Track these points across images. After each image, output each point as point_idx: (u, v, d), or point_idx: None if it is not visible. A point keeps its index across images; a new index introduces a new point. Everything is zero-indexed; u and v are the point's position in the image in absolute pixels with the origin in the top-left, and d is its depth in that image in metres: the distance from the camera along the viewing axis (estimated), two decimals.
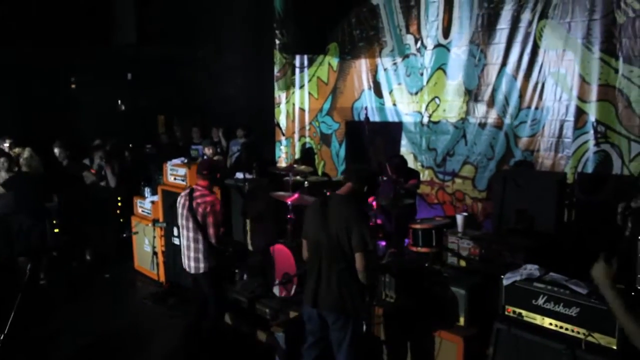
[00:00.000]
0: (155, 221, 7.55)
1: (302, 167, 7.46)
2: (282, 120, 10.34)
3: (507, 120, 7.27)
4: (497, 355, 4.19)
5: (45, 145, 8.68)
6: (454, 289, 4.59)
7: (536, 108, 6.98)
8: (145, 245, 8.02)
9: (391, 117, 8.57)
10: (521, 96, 7.10)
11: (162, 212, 7.57)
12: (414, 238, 5.95)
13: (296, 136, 10.24)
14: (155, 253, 7.63)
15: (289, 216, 6.64)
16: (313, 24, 9.32)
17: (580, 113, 6.56)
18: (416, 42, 8.21)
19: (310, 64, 9.86)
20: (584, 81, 6.48)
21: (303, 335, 4.73)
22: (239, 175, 7.73)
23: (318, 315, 4.27)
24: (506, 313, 4.21)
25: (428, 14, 8.00)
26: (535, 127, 7.01)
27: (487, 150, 7.50)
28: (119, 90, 12.15)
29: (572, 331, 3.80)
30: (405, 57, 8.35)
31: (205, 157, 8.97)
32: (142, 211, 8.15)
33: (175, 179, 7.38)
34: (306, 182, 7.06)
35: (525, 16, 6.95)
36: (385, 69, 8.63)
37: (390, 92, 8.59)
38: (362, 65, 8.97)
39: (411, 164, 7.93)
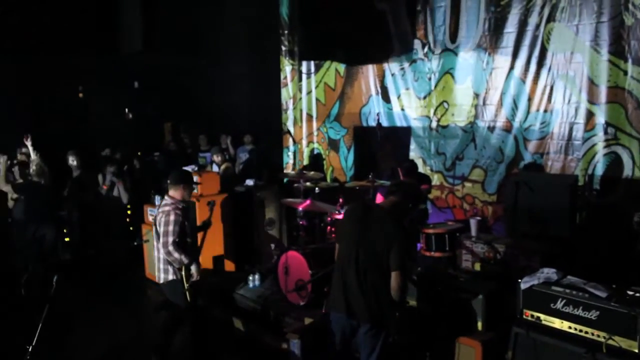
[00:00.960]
0: None
1: (312, 173, 7.50)
2: (289, 126, 10.35)
3: (516, 123, 7.28)
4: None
5: (55, 153, 8.72)
6: (471, 294, 4.60)
7: (545, 111, 7.00)
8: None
9: (399, 122, 8.59)
10: (530, 99, 7.12)
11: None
12: (427, 243, 6.00)
13: (304, 142, 10.26)
14: None
15: (300, 222, 6.66)
16: (319, 30, 9.35)
17: (589, 115, 6.57)
18: (423, 47, 8.23)
19: (317, 69, 9.89)
20: (592, 83, 6.50)
21: (320, 343, 4.74)
22: (249, 181, 7.78)
23: (349, 324, 4.22)
24: (524, 317, 4.21)
25: (435, 18, 8.02)
26: (545, 130, 7.02)
27: (497, 154, 7.51)
28: (126, 98, 12.19)
29: (592, 334, 3.80)
30: (413, 62, 8.37)
31: (213, 164, 9.01)
32: (153, 219, 8.15)
33: None
34: (317, 189, 7.08)
35: (533, 19, 6.97)
36: (392, 74, 8.65)
37: (398, 97, 8.61)
38: (369, 70, 9.00)
39: (420, 168, 7.95)
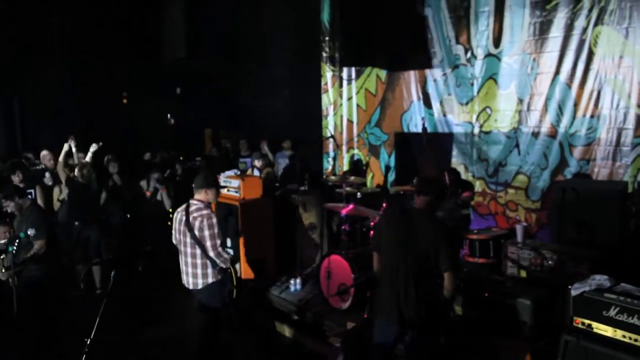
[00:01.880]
0: None
1: (354, 178, 7.51)
2: (329, 133, 10.38)
3: (561, 129, 7.16)
4: None
5: (100, 157, 8.94)
6: (519, 299, 4.53)
7: (592, 116, 6.88)
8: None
9: (441, 128, 8.53)
10: (576, 104, 7.01)
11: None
12: (470, 248, 5.94)
13: (344, 148, 10.27)
14: None
15: (343, 227, 6.66)
16: (360, 36, 9.37)
17: (639, 120, 6.42)
18: (466, 53, 8.17)
19: (358, 75, 9.90)
20: None
21: (362, 347, 4.73)
22: (291, 186, 7.83)
23: (399, 330, 4.19)
24: (574, 324, 4.12)
25: (478, 24, 7.96)
26: (591, 136, 6.89)
27: (541, 160, 7.40)
28: (168, 104, 12.43)
29: None
30: (455, 67, 8.32)
31: (254, 169, 9.09)
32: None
33: (228, 190, 7.46)
34: (359, 194, 7.09)
35: (580, 23, 6.86)
36: (434, 80, 8.61)
37: (440, 102, 8.55)
38: (411, 76, 8.97)
39: (462, 174, 7.86)
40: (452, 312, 4.74)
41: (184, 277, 5.28)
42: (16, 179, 7.50)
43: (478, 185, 8.05)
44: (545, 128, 7.33)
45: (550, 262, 5.13)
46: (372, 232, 6.66)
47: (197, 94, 12.23)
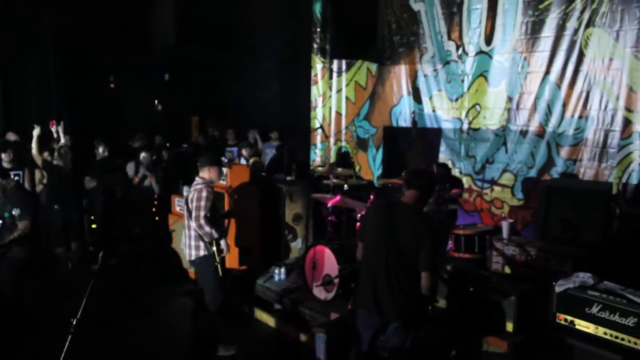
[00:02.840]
0: None
1: (341, 170, 7.51)
2: (317, 124, 10.36)
3: (549, 128, 7.21)
4: None
5: (86, 142, 8.86)
6: (503, 294, 4.57)
7: (580, 117, 6.92)
8: (182, 243, 8.06)
9: (430, 123, 8.54)
10: (564, 105, 7.04)
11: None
12: (456, 243, 5.98)
13: (332, 140, 10.26)
14: None
15: (329, 218, 6.66)
16: (352, 29, 9.34)
17: (626, 123, 6.48)
18: (457, 49, 8.18)
19: (348, 68, 9.87)
20: (631, 90, 6.40)
21: (345, 338, 4.75)
22: (278, 176, 7.81)
23: (379, 322, 4.22)
24: (557, 321, 4.18)
25: (470, 20, 7.97)
26: (579, 136, 6.94)
27: (528, 159, 7.44)
28: (156, 90, 12.32)
29: (629, 342, 3.76)
30: (446, 63, 8.32)
31: (242, 158, 9.06)
32: (180, 209, 8.21)
33: None
34: (346, 186, 7.10)
35: (571, 24, 6.89)
36: (425, 75, 8.61)
37: (430, 98, 8.56)
38: (401, 70, 8.96)
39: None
40: (432, 306, 4.76)
41: (184, 249, 5.61)
42: (6, 158, 7.38)
43: (465, 182, 8.08)
44: (533, 127, 7.37)
45: (534, 259, 5.17)
46: (358, 223, 6.67)
47: (185, 81, 12.15)
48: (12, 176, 6.42)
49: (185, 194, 5.67)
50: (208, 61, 11.66)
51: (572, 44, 6.90)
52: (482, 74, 7.89)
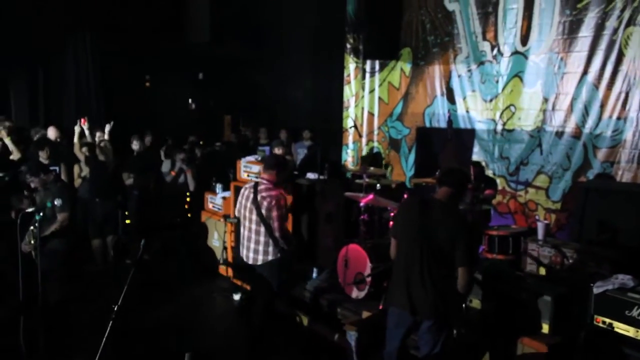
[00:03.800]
0: (226, 217, 7.69)
1: (373, 169, 7.51)
2: (350, 123, 10.37)
3: (586, 130, 7.09)
4: None
5: (121, 137, 9.04)
6: (539, 295, 4.51)
7: (618, 118, 6.79)
8: (215, 240, 8.17)
9: (464, 124, 8.48)
10: (602, 106, 6.92)
11: (233, 207, 7.70)
12: (489, 244, 5.92)
13: (364, 140, 10.26)
14: (225, 248, 7.77)
15: (362, 217, 6.67)
16: (386, 29, 9.34)
17: None
18: (492, 49, 8.12)
19: (382, 68, 9.86)
20: None
21: (377, 336, 4.74)
22: (311, 175, 7.84)
23: (412, 320, 4.18)
24: (595, 323, 4.12)
25: (506, 20, 7.90)
26: (617, 138, 6.81)
27: (564, 161, 7.34)
28: (190, 88, 12.49)
29: None
30: (481, 63, 8.26)
31: None
32: (213, 206, 8.32)
33: (248, 175, 7.50)
34: (378, 185, 7.09)
35: (611, 23, 6.77)
36: (459, 76, 8.56)
37: (464, 98, 8.50)
38: (435, 71, 8.92)
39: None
40: (466, 307, 4.73)
41: (243, 250, 5.60)
42: (43, 155, 7.59)
43: (498, 183, 8.00)
44: (569, 128, 7.26)
45: (571, 261, 5.09)
46: (391, 222, 6.66)
47: (218, 80, 12.27)
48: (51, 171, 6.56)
49: (246, 193, 5.54)
50: (241, 60, 11.78)
51: (611, 43, 6.78)
52: (517, 75, 7.81)
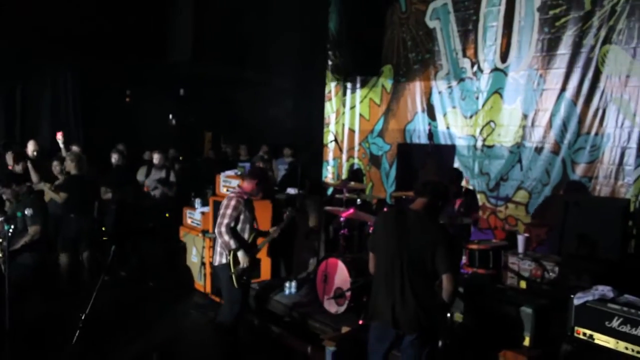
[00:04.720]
0: (204, 232, 7.59)
1: (354, 183, 7.47)
2: (330, 137, 10.33)
3: (565, 145, 7.15)
4: None
5: (99, 152, 8.92)
6: (520, 308, 4.47)
7: (596, 134, 6.87)
8: (193, 256, 8.04)
9: (444, 140, 8.50)
10: (580, 122, 7.00)
11: (213, 223, 7.59)
12: (470, 258, 5.87)
13: (344, 157, 10.23)
14: (203, 264, 7.64)
15: (342, 232, 6.61)
16: (367, 46, 9.38)
17: None
18: (472, 66, 8.18)
19: (363, 85, 9.89)
20: None
21: (356, 352, 4.65)
22: (290, 190, 7.78)
23: (394, 334, 4.08)
24: (575, 335, 4.08)
25: (486, 38, 7.98)
26: (595, 154, 6.87)
27: (543, 176, 7.37)
28: (170, 104, 12.41)
29: None
30: (461, 80, 8.32)
31: None
32: (192, 222, 8.20)
33: (227, 190, 7.41)
34: (359, 200, 7.05)
35: (588, 41, 6.88)
36: (439, 92, 8.61)
37: (444, 115, 8.54)
38: (416, 87, 8.96)
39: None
40: (450, 317, 4.66)
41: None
42: (18, 169, 7.43)
43: (479, 199, 8.00)
44: (548, 144, 7.31)
45: (551, 274, 5.07)
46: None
47: (199, 97, 12.22)
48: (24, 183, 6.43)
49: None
50: (223, 77, 11.73)
51: (588, 60, 6.89)
52: (497, 91, 7.88)
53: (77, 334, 3.07)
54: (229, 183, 7.48)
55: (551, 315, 4.44)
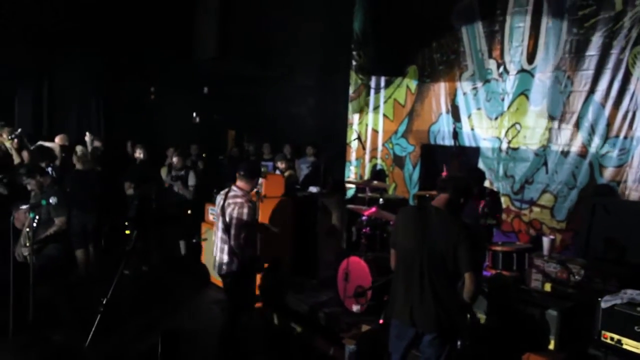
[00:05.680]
0: None
1: (377, 182, 7.43)
2: (354, 136, 10.31)
3: (592, 149, 7.02)
4: None
5: (123, 147, 8.99)
6: (544, 310, 4.39)
7: (625, 137, 6.73)
8: (215, 252, 8.03)
9: (468, 142, 8.42)
10: (609, 124, 6.86)
11: None
12: (493, 260, 5.81)
13: (367, 157, 10.19)
14: None
15: (364, 230, 6.57)
16: (392, 46, 9.34)
17: None
18: (498, 67, 8.09)
19: (387, 85, 9.85)
20: None
21: (376, 351, 4.61)
22: (313, 188, 7.77)
23: (413, 333, 4.02)
24: (602, 339, 3.99)
25: (512, 39, 7.88)
26: (624, 157, 6.74)
27: (569, 179, 7.25)
28: (195, 102, 12.50)
29: None
30: (486, 81, 8.23)
31: (277, 170, 9.05)
32: (214, 218, 8.20)
33: None
34: (381, 199, 7.01)
35: (618, 43, 6.74)
36: (464, 93, 8.53)
37: (469, 116, 8.46)
38: (441, 88, 8.89)
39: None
40: (471, 316, 4.59)
41: (215, 260, 5.40)
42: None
43: (503, 202, 7.90)
44: (575, 147, 7.19)
45: (577, 277, 4.98)
46: None
47: (224, 95, 12.29)
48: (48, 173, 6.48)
49: (218, 200, 5.40)
50: (247, 76, 11.79)
51: (618, 62, 6.75)
52: (523, 93, 7.77)
53: (97, 318, 3.09)
54: None
55: (577, 319, 4.36)
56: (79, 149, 7.92)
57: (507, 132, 7.98)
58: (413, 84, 9.38)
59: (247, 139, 11.76)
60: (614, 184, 6.78)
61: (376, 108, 10.06)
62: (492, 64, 8.19)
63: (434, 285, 3.88)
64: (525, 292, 4.83)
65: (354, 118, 10.41)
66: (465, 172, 7.68)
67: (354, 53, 10.22)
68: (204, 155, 10.39)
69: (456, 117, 8.64)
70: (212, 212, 8.28)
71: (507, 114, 7.98)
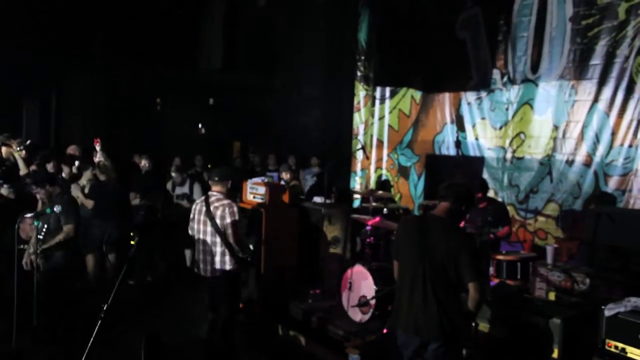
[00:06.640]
0: None
1: (381, 192, 7.43)
2: (359, 152, 10.32)
3: (597, 158, 7.01)
4: None
5: (127, 157, 9.04)
6: (548, 319, 4.36)
7: (630, 146, 6.73)
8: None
9: (473, 152, 8.43)
10: (614, 133, 6.86)
11: None
12: (497, 269, 5.79)
13: (372, 168, 10.21)
14: None
15: (368, 240, 6.56)
16: (397, 56, 9.38)
17: None
18: (502, 77, 8.11)
19: (392, 96, 9.88)
20: None
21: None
22: (317, 198, 7.77)
23: (418, 342, 4.00)
24: (606, 347, 3.95)
25: (516, 48, 7.90)
26: (628, 166, 6.73)
27: (574, 189, 7.23)
28: (200, 113, 12.57)
29: None
30: (490, 91, 8.25)
31: (282, 181, 9.05)
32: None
33: (254, 197, 7.45)
34: (385, 209, 7.01)
35: (622, 51, 6.76)
36: (469, 103, 8.55)
37: (473, 126, 8.47)
38: (445, 98, 8.92)
39: None
40: (475, 326, 4.57)
41: (200, 265, 5.52)
42: (51, 168, 7.59)
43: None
44: (580, 156, 7.18)
45: (581, 286, 4.95)
46: None
47: (229, 106, 12.35)
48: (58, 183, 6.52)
49: (199, 207, 5.53)
50: (252, 87, 11.85)
51: (622, 71, 6.76)
52: (527, 102, 7.79)
53: (98, 324, 3.11)
54: (255, 190, 7.50)
55: (581, 327, 4.32)
56: (100, 160, 7.98)
57: (511, 141, 7.99)
58: (417, 94, 9.41)
59: (253, 150, 11.79)
60: (618, 193, 6.76)
61: (381, 118, 10.09)
62: (496, 74, 8.21)
63: (437, 294, 3.87)
64: (529, 301, 4.81)
65: (359, 129, 10.44)
66: (468, 182, 7.72)
67: (359, 64, 10.30)
68: (209, 166, 10.40)
69: (460, 126, 8.65)
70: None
71: (511, 123, 7.99)
